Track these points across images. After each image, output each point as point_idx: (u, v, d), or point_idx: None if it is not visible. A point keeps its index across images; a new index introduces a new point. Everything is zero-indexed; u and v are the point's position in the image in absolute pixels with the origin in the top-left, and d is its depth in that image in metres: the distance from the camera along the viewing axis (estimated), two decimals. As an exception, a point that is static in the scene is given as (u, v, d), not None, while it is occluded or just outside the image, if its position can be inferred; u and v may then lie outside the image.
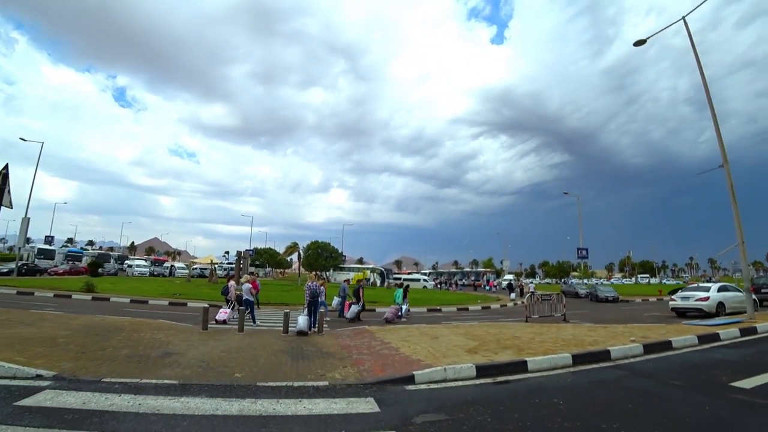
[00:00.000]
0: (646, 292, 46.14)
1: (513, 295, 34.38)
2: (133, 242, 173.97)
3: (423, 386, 6.22)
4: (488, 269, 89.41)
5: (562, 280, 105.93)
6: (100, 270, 43.09)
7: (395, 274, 72.43)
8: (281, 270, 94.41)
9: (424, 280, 59.58)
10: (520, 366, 7.37)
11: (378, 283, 56.17)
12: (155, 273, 54.29)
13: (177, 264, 63.36)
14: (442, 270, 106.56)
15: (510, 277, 72.72)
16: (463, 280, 75.29)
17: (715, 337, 11.12)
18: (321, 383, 6.04)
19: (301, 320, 11.05)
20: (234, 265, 36.58)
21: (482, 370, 6.92)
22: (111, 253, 77.85)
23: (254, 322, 13.15)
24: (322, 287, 13.28)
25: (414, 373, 6.36)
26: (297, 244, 49.55)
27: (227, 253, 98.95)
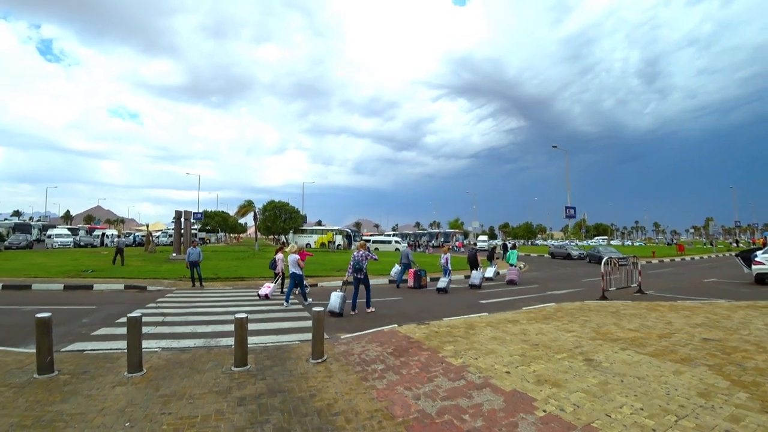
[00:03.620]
0: (637, 254, 43.09)
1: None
2: (68, 211, 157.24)
3: None
4: (456, 230, 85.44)
5: (530, 241, 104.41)
6: (6, 242, 35.70)
7: (362, 236, 66.47)
8: (236, 235, 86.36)
9: (396, 242, 54.05)
10: None
11: (345, 245, 50.09)
12: (82, 243, 45.66)
13: (110, 232, 54.15)
14: (405, 231, 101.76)
15: (484, 238, 68.80)
16: (432, 242, 70.65)
17: None
18: None
19: (334, 297, 8.96)
20: (184, 230, 29.74)
21: None
22: (34, 222, 66.85)
23: (306, 299, 10.90)
24: (370, 254, 10.01)
25: None
26: (252, 203, 42.10)
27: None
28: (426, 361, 4.89)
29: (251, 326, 7.17)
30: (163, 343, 6.07)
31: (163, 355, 5.33)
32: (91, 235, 51.63)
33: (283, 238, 59.07)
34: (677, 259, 33.98)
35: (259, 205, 48.09)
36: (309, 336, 5.80)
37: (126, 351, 4.65)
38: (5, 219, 69.98)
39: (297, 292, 11.13)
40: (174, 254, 24.82)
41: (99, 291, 12.90)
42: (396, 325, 7.00)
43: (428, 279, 14.52)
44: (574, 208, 39.22)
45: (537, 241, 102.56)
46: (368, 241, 53.19)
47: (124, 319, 8.18)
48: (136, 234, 53.09)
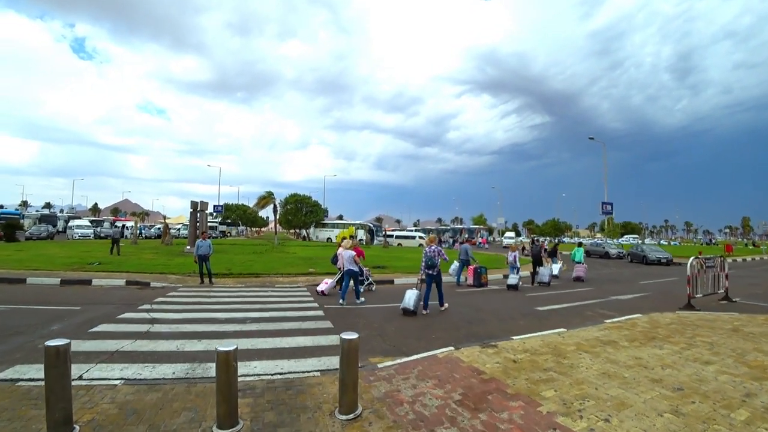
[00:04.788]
0: (679, 253, 40.07)
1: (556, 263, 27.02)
2: (96, 203, 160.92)
3: None
4: (481, 226, 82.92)
5: (556, 239, 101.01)
6: (27, 233, 35.54)
7: (385, 231, 64.55)
8: (257, 228, 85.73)
9: (420, 237, 51.97)
10: None
11: (367, 240, 48.26)
12: (102, 235, 45.53)
13: (129, 224, 54.16)
14: (427, 227, 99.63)
15: (511, 234, 66.14)
16: (457, 238, 68.36)
17: None
18: None
19: (409, 295, 8.31)
20: (199, 222, 28.58)
21: None
22: (60, 214, 67.82)
23: (370, 285, 11.22)
24: (441, 250, 9.15)
25: None
26: (272, 194, 40.59)
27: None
28: (526, 424, 3.04)
29: (256, 343, 5.45)
30: (131, 371, 4.33)
31: (121, 395, 3.59)
32: (112, 227, 51.89)
33: (303, 232, 57.79)
34: (729, 260, 31.16)
35: (280, 199, 46.92)
36: (335, 361, 4.07)
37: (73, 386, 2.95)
38: (36, 210, 71.52)
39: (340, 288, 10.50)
40: (188, 247, 23.63)
41: (97, 286, 11.50)
42: (452, 348, 5.12)
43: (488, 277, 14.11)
44: (611, 204, 36.56)
45: (564, 239, 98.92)
46: (390, 236, 51.28)
47: (99, 328, 6.48)
48: (146, 226, 53.18)
